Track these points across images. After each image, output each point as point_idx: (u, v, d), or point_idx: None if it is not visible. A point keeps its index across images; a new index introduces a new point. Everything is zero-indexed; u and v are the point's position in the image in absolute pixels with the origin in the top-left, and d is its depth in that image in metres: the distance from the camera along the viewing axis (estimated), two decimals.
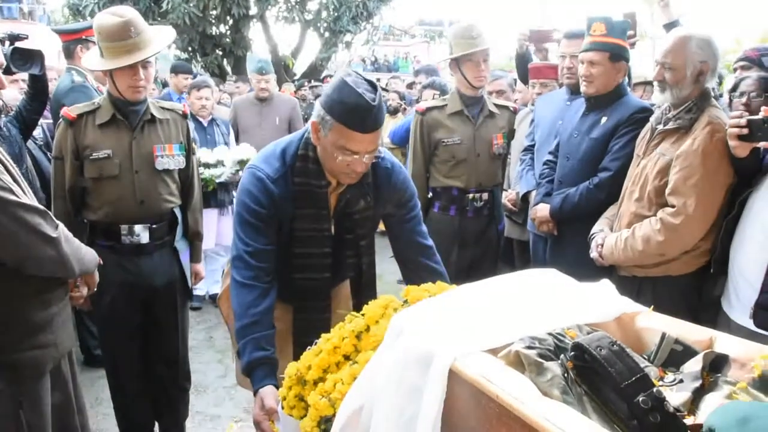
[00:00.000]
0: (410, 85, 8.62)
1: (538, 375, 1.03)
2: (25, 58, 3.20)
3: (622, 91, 2.92)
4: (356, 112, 1.74)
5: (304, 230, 1.98)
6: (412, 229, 2.18)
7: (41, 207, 1.77)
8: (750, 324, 2.23)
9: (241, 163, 4.76)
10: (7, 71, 3.19)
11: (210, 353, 4.29)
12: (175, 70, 6.07)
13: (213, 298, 5.18)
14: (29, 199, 1.83)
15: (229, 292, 2.20)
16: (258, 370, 1.81)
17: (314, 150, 1.93)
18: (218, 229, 4.98)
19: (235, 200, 2.01)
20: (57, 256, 1.78)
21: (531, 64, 4.11)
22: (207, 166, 4.65)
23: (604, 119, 2.88)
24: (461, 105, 3.32)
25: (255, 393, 1.78)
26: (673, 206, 2.40)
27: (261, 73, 5.33)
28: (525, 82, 4.20)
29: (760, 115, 2.14)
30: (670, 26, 3.10)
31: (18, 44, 3.29)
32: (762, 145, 2.19)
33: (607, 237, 2.63)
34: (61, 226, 1.84)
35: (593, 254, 2.68)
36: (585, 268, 2.74)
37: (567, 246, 3.01)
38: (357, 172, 1.87)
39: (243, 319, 1.87)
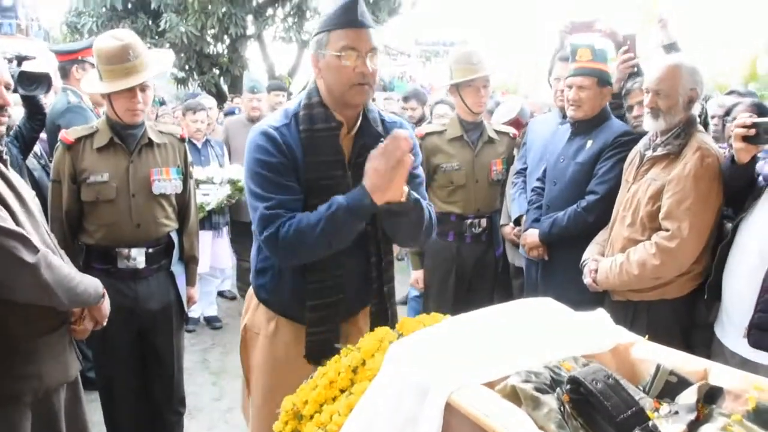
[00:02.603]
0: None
1: (534, 409, 1.04)
2: (32, 80, 3.24)
3: (606, 115, 2.99)
4: (344, 11, 1.84)
5: (319, 179, 1.89)
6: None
7: (19, 231, 1.72)
8: (742, 349, 2.25)
9: (232, 182, 4.78)
10: (13, 91, 3.22)
11: (204, 375, 4.26)
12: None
13: (207, 321, 5.17)
14: (26, 220, 1.81)
15: (248, 344, 2.17)
16: (350, 196, 1.77)
17: (318, 94, 1.93)
18: (213, 252, 4.97)
19: (245, 167, 1.95)
20: (33, 282, 1.73)
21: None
22: (197, 183, 4.65)
23: (589, 143, 2.94)
24: (461, 130, 3.33)
25: (365, 196, 1.74)
26: (667, 230, 2.43)
27: (253, 92, 5.37)
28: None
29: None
30: (669, 48, 3.09)
31: (25, 65, 3.33)
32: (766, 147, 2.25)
33: (601, 262, 2.65)
34: (44, 252, 1.77)
35: (587, 280, 2.70)
36: (577, 292, 2.77)
37: (558, 270, 3.02)
38: (365, 74, 1.84)
39: (312, 225, 1.78)
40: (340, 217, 1.77)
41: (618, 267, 2.54)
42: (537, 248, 3.07)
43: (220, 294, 5.75)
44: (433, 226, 2.06)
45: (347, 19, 1.83)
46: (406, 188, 1.82)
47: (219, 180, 4.78)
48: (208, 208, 4.69)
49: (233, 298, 5.82)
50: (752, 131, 2.21)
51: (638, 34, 3.06)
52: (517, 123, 3.99)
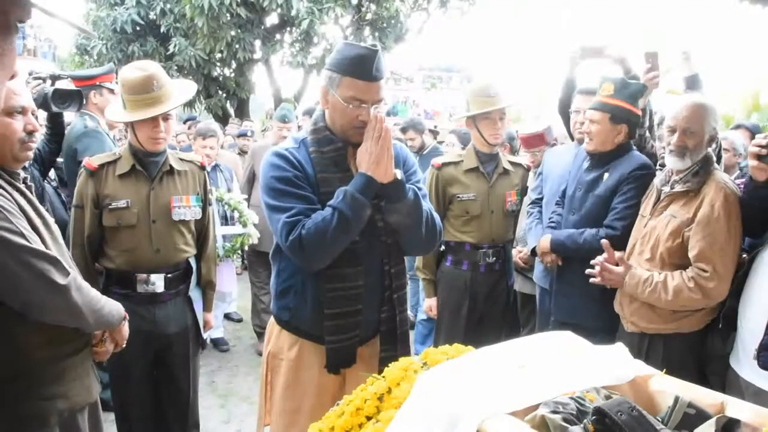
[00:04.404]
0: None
1: None
2: (65, 98, 3.35)
3: (624, 150, 2.93)
4: (361, 62, 1.93)
5: (332, 193, 2.00)
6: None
7: (51, 254, 1.78)
8: (758, 380, 2.27)
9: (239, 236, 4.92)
10: (47, 108, 3.32)
11: (212, 398, 4.28)
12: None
13: (214, 343, 5.21)
14: (52, 244, 1.86)
15: (272, 371, 2.20)
16: (352, 182, 1.97)
17: (324, 120, 2.09)
18: (218, 276, 5.01)
19: (260, 189, 2.10)
20: (64, 304, 1.79)
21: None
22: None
23: (606, 175, 2.94)
24: (477, 162, 3.36)
25: (363, 175, 1.96)
26: (704, 270, 2.45)
27: (284, 121, 5.42)
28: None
29: None
30: (690, 79, 3.10)
31: (58, 83, 3.45)
32: None
33: (637, 269, 2.63)
34: (74, 274, 1.83)
35: (596, 266, 2.68)
36: (591, 320, 2.81)
37: (572, 297, 3.03)
38: (366, 123, 1.98)
39: (327, 216, 1.93)
40: (349, 200, 1.94)
41: (653, 284, 2.53)
42: (549, 254, 3.10)
43: (227, 316, 5.80)
44: (438, 233, 2.19)
45: (362, 71, 1.93)
46: (398, 172, 2.00)
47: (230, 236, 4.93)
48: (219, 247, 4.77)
49: (239, 320, 5.87)
50: (764, 150, 2.31)
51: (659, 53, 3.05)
52: (541, 137, 4.06)
